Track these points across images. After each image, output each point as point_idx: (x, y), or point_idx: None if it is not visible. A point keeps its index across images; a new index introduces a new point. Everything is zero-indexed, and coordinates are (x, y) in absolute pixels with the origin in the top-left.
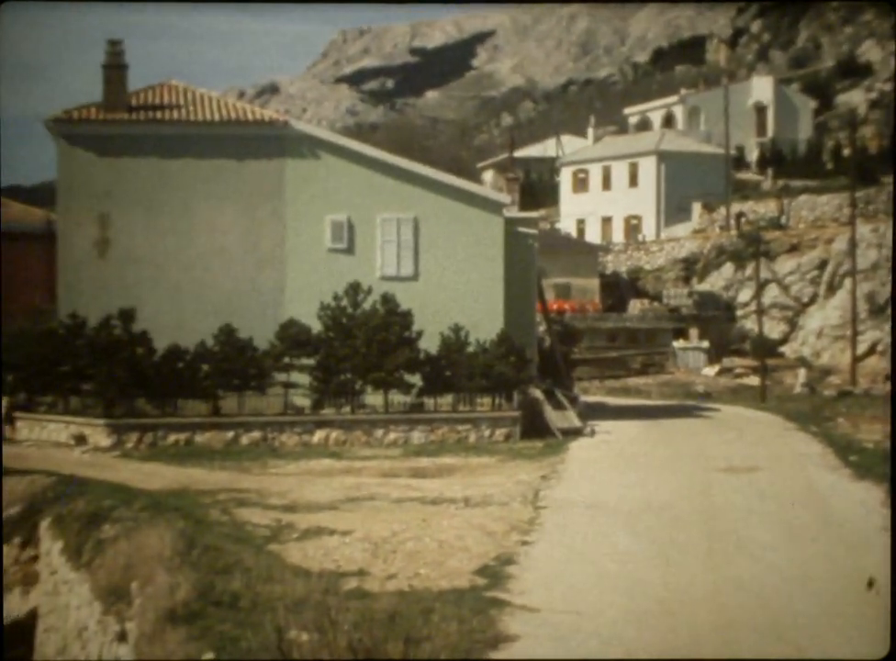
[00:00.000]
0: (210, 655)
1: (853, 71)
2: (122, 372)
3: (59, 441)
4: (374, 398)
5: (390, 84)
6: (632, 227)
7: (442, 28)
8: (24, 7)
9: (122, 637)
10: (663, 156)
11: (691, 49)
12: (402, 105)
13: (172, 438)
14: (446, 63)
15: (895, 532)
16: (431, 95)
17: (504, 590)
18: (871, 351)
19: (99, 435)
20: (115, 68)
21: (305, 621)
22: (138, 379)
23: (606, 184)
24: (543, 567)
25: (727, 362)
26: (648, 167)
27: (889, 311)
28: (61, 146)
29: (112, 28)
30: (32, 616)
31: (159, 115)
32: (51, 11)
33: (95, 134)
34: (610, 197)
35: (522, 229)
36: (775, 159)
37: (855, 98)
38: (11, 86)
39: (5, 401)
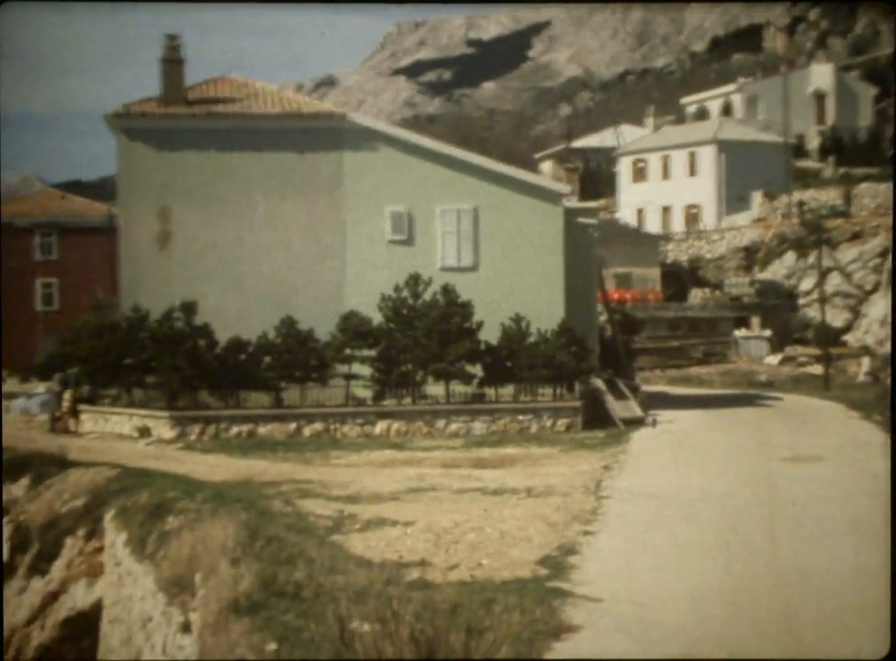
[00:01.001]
0: (273, 646)
1: None
2: (185, 364)
3: (122, 433)
4: (435, 389)
5: (447, 75)
6: (692, 216)
7: (497, 20)
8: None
9: (186, 628)
10: (722, 145)
11: (749, 37)
12: (459, 96)
13: (234, 430)
14: (503, 54)
15: (895, 533)
16: (488, 86)
17: (566, 580)
18: None
19: (162, 427)
20: (172, 62)
21: (367, 612)
22: (200, 371)
23: (665, 173)
24: (605, 557)
25: (789, 351)
26: (707, 156)
27: None
28: (121, 141)
29: (171, 23)
30: (97, 607)
31: (217, 108)
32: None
33: (154, 128)
34: (669, 187)
35: (582, 220)
36: (835, 147)
37: None
38: (69, 84)
39: (68, 394)
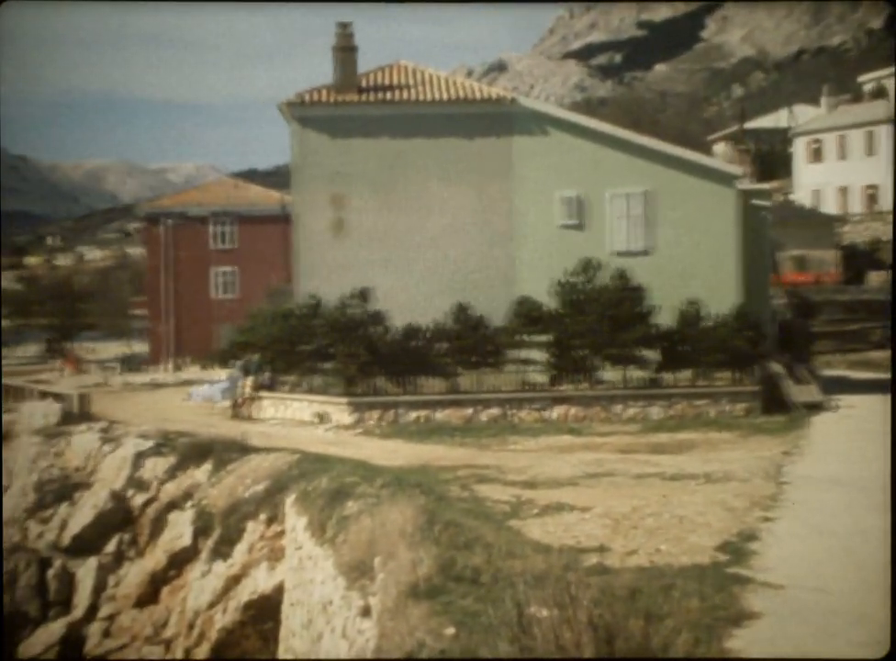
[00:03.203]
0: (452, 630)
1: None
2: (361, 350)
3: (302, 419)
4: (612, 374)
5: (618, 58)
6: (870, 197)
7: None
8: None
9: (366, 612)
10: None
11: None
12: (630, 79)
13: (412, 415)
14: (674, 36)
15: (895, 533)
16: (660, 68)
17: (746, 567)
18: None
19: (341, 413)
20: (345, 50)
21: (545, 597)
22: (377, 357)
23: (841, 153)
24: (786, 544)
25: None
26: (885, 135)
27: None
28: (295, 129)
29: (340, 13)
30: (278, 591)
31: (389, 96)
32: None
33: (328, 116)
34: (845, 167)
35: (756, 202)
36: None
37: None
38: (245, 72)
39: (250, 381)
